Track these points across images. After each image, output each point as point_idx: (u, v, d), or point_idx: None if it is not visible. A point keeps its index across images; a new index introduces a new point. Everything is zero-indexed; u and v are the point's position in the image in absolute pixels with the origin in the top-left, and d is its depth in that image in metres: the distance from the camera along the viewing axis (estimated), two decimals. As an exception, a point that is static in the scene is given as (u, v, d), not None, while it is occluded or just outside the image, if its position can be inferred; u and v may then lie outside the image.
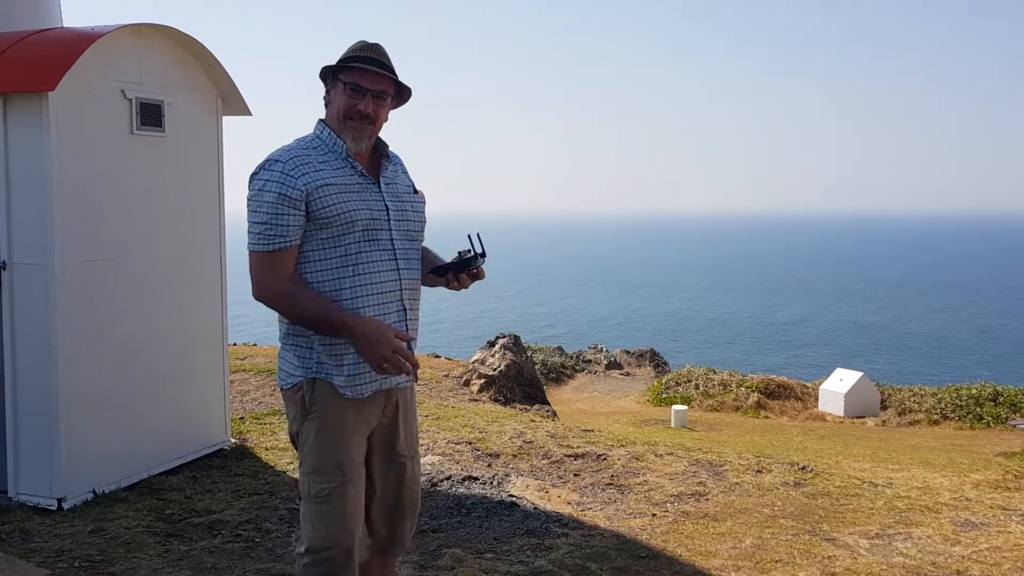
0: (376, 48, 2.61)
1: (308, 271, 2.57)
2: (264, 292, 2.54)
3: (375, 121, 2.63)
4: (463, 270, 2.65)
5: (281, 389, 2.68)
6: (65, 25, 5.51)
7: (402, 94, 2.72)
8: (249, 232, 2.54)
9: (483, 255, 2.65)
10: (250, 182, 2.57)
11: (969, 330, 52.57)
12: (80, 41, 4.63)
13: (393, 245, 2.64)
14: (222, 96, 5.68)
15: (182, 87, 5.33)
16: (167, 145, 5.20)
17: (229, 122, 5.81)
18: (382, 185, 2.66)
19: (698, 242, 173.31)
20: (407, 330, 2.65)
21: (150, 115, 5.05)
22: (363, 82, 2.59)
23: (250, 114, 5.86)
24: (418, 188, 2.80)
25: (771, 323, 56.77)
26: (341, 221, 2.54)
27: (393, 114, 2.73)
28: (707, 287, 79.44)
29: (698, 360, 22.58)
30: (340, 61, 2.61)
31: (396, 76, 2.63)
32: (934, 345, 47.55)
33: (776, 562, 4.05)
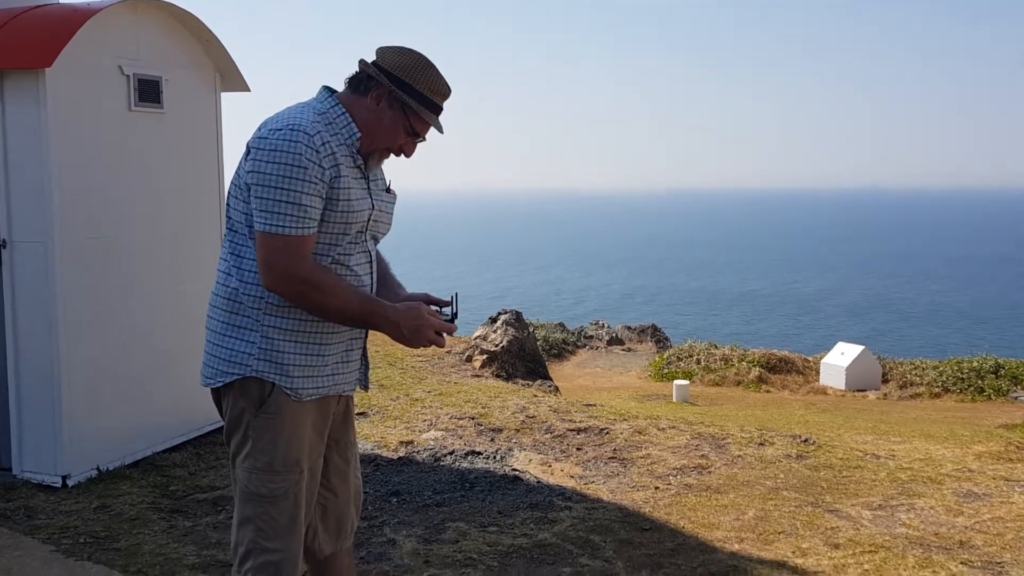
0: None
1: None
2: (290, 278, 2.19)
3: None
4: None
5: (220, 384, 2.32)
6: (61, 1, 5.45)
7: None
8: (268, 211, 2.17)
9: (456, 316, 2.41)
10: (264, 149, 2.19)
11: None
12: (77, 17, 4.59)
13: (367, 247, 2.42)
14: (220, 72, 5.64)
15: (180, 63, 5.29)
16: (165, 121, 5.17)
17: (227, 98, 5.78)
18: (368, 182, 2.40)
19: (710, 218, 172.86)
20: (365, 335, 2.47)
21: (148, 91, 5.01)
22: (425, 132, 2.38)
23: (248, 90, 5.82)
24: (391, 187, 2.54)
25: (794, 297, 56.55)
26: (347, 219, 2.29)
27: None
28: (726, 262, 79.09)
29: (714, 335, 22.27)
30: (421, 97, 2.32)
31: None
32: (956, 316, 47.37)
33: (779, 533, 4.07)
